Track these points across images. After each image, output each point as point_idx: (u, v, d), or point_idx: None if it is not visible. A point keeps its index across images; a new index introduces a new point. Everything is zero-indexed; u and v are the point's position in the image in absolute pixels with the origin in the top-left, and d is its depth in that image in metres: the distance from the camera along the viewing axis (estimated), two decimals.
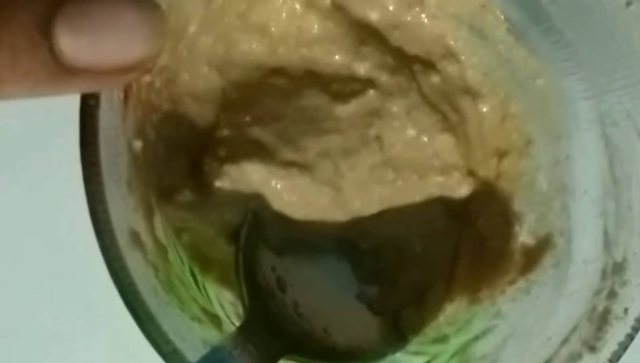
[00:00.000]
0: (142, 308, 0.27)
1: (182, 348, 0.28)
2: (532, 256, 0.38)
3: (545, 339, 0.35)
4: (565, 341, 0.34)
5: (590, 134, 0.37)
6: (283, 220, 0.36)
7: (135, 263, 0.28)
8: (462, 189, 0.39)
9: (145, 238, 0.30)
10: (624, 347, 0.32)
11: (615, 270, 0.34)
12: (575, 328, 0.34)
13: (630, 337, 0.32)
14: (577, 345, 0.33)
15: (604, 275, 0.34)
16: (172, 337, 0.27)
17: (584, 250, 0.36)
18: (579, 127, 0.37)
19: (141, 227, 0.30)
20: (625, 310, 0.33)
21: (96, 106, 0.27)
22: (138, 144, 0.31)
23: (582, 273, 0.36)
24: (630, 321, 0.33)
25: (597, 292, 0.34)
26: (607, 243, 0.35)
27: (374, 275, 0.38)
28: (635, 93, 0.35)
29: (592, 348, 0.33)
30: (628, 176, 0.35)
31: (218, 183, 0.34)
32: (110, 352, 0.40)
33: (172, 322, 0.29)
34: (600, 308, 0.34)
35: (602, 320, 0.33)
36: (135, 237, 0.29)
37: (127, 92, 0.30)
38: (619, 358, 0.32)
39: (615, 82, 0.35)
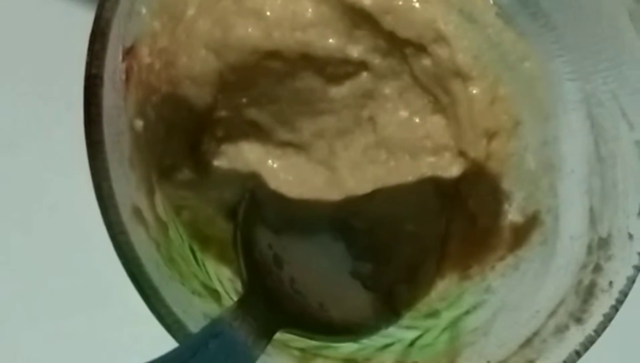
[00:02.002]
0: (146, 281, 0.28)
1: (184, 320, 0.29)
2: (521, 234, 0.39)
3: (534, 312, 0.36)
4: (552, 314, 0.35)
5: (576, 114, 0.38)
6: (279, 199, 0.37)
7: (139, 238, 0.29)
8: (453, 169, 0.40)
9: (147, 214, 0.31)
10: (609, 318, 0.33)
11: (600, 245, 0.35)
12: (562, 302, 0.35)
13: (615, 309, 0.33)
14: (564, 317, 0.34)
15: (589, 250, 0.35)
16: (174, 309, 0.28)
17: (571, 226, 0.37)
18: (566, 108, 0.38)
19: (143, 204, 0.31)
20: (610, 283, 0.34)
21: (100, 85, 0.27)
22: (139, 124, 0.32)
23: (569, 248, 0.37)
24: (614, 293, 0.34)
25: (583, 267, 0.35)
26: (593, 220, 0.36)
27: (368, 253, 0.39)
28: (619, 74, 0.36)
29: (579, 320, 0.34)
30: (613, 154, 0.36)
31: (216, 162, 0.35)
32: (116, 325, 0.41)
33: (174, 295, 0.30)
34: (586, 282, 0.35)
35: (588, 293, 0.34)
36: (137, 213, 0.30)
37: (128, 72, 0.31)
38: (604, 329, 0.33)
39: (600, 63, 0.36)
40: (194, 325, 0.30)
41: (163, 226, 0.33)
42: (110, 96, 0.29)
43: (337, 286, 0.38)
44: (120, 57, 0.30)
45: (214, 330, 0.29)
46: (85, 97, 0.27)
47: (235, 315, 0.31)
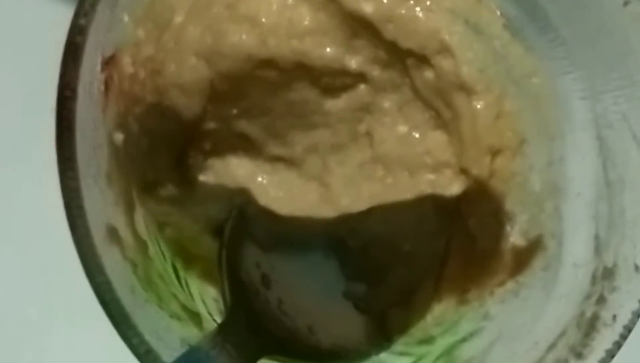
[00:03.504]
0: (117, 308, 0.26)
1: (157, 348, 0.27)
2: (523, 258, 0.37)
3: (533, 343, 0.34)
4: (552, 346, 0.33)
5: (584, 135, 0.36)
6: (269, 216, 0.36)
7: (112, 260, 0.27)
8: (454, 188, 0.38)
9: (124, 233, 0.30)
10: (610, 354, 0.32)
11: (605, 275, 0.33)
12: (562, 334, 0.33)
13: (618, 345, 0.32)
14: (564, 351, 0.33)
15: (593, 279, 0.34)
16: (147, 336, 0.27)
17: (575, 253, 0.35)
18: (574, 128, 0.37)
19: (120, 222, 0.30)
20: (614, 317, 0.32)
21: (72, 97, 0.26)
22: (119, 137, 0.30)
23: (572, 277, 0.35)
24: (618, 328, 0.32)
25: (587, 297, 0.34)
26: (598, 247, 0.34)
27: (362, 273, 0.38)
28: (631, 94, 0.34)
29: (579, 355, 0.32)
30: (621, 179, 0.34)
31: (202, 177, 0.34)
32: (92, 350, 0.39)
33: (149, 320, 0.28)
34: (588, 314, 0.33)
35: (590, 326, 0.33)
36: (112, 233, 0.28)
37: (108, 83, 0.29)
38: None
39: (611, 82, 0.34)
40: (169, 353, 0.28)
41: (142, 244, 0.31)
42: (86, 109, 0.27)
43: (328, 307, 0.37)
44: (99, 67, 0.28)
45: (189, 360, 0.28)
46: (57, 111, 0.26)
47: (213, 343, 0.29)
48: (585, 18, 0.35)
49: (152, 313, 0.30)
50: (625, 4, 0.33)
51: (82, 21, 0.26)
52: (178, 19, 0.34)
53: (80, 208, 0.26)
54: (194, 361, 0.28)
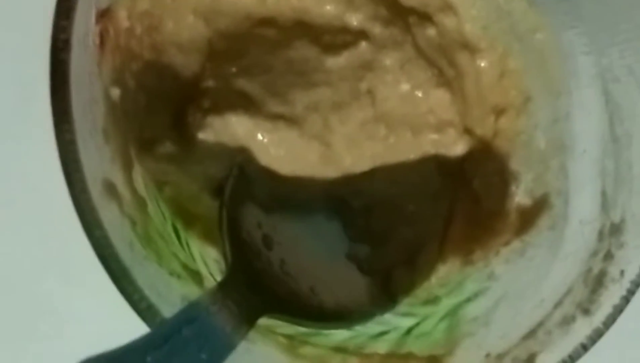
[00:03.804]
0: (116, 263, 0.26)
1: (158, 304, 0.27)
2: (528, 217, 0.37)
3: (539, 302, 0.34)
4: (558, 304, 0.33)
5: (590, 90, 0.35)
6: (270, 175, 0.35)
7: (110, 215, 0.27)
8: (458, 147, 0.38)
9: (123, 189, 0.29)
10: (619, 310, 0.31)
11: (612, 231, 0.33)
12: (569, 291, 0.33)
13: (626, 300, 0.31)
14: (571, 308, 0.32)
15: (600, 236, 0.33)
16: (147, 292, 0.26)
17: (581, 210, 0.35)
18: (579, 84, 0.36)
19: (118, 178, 0.29)
20: (622, 272, 0.32)
21: (65, 49, 0.25)
22: (116, 92, 0.30)
23: (579, 234, 0.34)
24: (626, 283, 0.32)
25: (593, 254, 0.33)
26: (605, 204, 0.34)
27: (365, 234, 0.37)
28: (638, 47, 0.33)
29: (586, 311, 0.32)
30: (629, 134, 0.34)
31: (201, 135, 0.33)
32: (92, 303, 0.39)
33: (148, 276, 0.28)
34: (595, 271, 0.33)
35: (597, 282, 0.32)
36: (110, 188, 0.28)
37: (103, 36, 0.28)
38: (613, 321, 0.31)
39: (617, 35, 0.34)
40: (170, 309, 0.28)
41: (141, 202, 0.31)
42: (81, 61, 0.27)
43: (331, 269, 0.36)
44: (94, 19, 0.28)
45: (189, 315, 0.27)
46: (51, 63, 0.25)
47: (214, 299, 0.29)
48: None
49: (152, 270, 0.29)
50: None
51: None
52: None
53: (77, 161, 0.25)
54: (193, 316, 0.27)
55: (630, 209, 0.33)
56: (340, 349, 0.34)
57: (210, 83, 0.35)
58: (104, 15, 0.28)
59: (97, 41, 0.28)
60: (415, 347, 0.34)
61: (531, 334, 0.32)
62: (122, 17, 0.30)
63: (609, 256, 0.32)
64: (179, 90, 0.34)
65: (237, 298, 0.29)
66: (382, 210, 0.38)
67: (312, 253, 0.36)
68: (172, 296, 0.29)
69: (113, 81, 0.29)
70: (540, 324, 0.33)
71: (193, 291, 0.31)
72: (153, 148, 0.33)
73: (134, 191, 0.30)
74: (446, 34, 0.38)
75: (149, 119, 0.33)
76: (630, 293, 0.31)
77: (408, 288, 0.37)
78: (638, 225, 0.32)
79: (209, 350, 0.27)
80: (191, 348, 0.26)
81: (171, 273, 0.30)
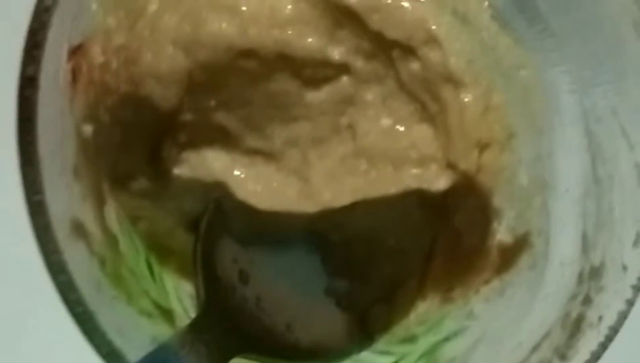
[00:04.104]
0: (80, 306, 0.25)
1: (123, 347, 0.26)
2: (509, 256, 0.36)
3: (517, 344, 0.33)
4: (536, 347, 0.32)
5: (573, 129, 0.35)
6: (248, 210, 0.35)
7: (77, 256, 0.27)
8: (440, 182, 0.37)
9: (93, 228, 0.29)
10: (596, 356, 0.31)
11: (592, 275, 0.32)
12: (547, 334, 0.32)
13: (603, 346, 0.31)
14: (548, 352, 0.32)
15: (580, 279, 0.33)
16: (111, 335, 0.26)
17: (562, 251, 0.34)
18: (563, 122, 0.36)
19: (88, 216, 0.29)
20: (600, 317, 0.31)
21: (34, 87, 0.25)
22: (88, 129, 0.29)
23: (559, 276, 0.34)
24: (603, 329, 0.31)
25: (573, 297, 0.33)
26: (586, 246, 0.33)
27: (345, 269, 0.37)
28: (621, 88, 0.33)
29: (563, 357, 0.31)
30: (610, 176, 0.33)
31: (177, 170, 0.33)
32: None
33: (116, 318, 0.27)
34: (574, 315, 0.32)
35: (575, 327, 0.32)
36: (78, 228, 0.28)
37: (75, 73, 0.28)
38: None
39: (601, 76, 0.33)
40: (136, 352, 0.27)
41: (112, 239, 0.30)
42: (50, 99, 0.26)
43: (309, 304, 0.36)
44: (66, 56, 0.27)
45: (155, 359, 0.27)
46: (18, 101, 0.25)
47: (183, 341, 0.28)
48: (575, 9, 0.34)
49: (120, 310, 0.29)
50: None
51: (45, 11, 0.25)
52: (152, 7, 0.33)
53: (42, 203, 0.25)
54: (160, 361, 0.27)
55: (611, 253, 0.32)
56: None
57: (187, 117, 0.34)
58: (76, 51, 0.28)
59: (69, 78, 0.27)
60: None
61: None
62: (96, 53, 0.30)
63: (587, 300, 0.32)
64: (156, 124, 0.34)
65: (208, 340, 0.29)
66: (362, 245, 0.37)
67: (289, 288, 0.36)
68: (141, 337, 0.29)
69: (85, 117, 0.29)
70: None
71: (164, 331, 0.30)
72: (127, 183, 0.32)
73: (104, 228, 0.30)
74: (430, 68, 0.37)
75: (123, 154, 0.32)
76: (608, 339, 0.31)
77: (386, 325, 0.36)
78: (618, 269, 0.32)
79: None
80: None
81: (141, 312, 0.30)
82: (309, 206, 0.35)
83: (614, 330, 0.31)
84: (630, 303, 0.31)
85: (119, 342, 0.26)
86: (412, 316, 0.37)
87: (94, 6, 0.29)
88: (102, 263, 0.29)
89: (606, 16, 0.33)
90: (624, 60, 0.32)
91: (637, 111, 0.32)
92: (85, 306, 0.26)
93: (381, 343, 0.36)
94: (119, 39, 0.31)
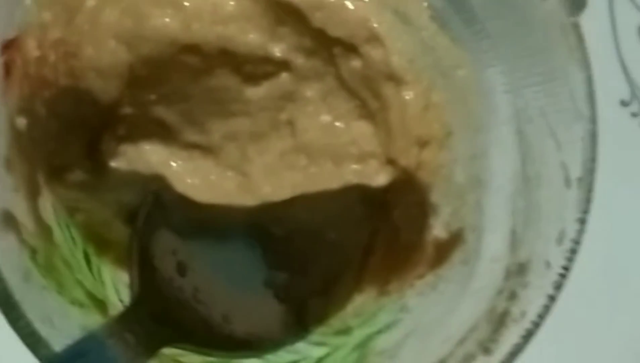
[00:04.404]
0: (4, 295, 0.26)
1: (49, 336, 0.27)
2: (443, 251, 0.37)
3: (445, 337, 0.34)
4: (462, 341, 0.33)
5: (507, 129, 0.36)
6: (186, 203, 0.35)
7: (6, 246, 0.27)
8: (380, 178, 0.38)
9: (25, 219, 0.29)
10: (517, 349, 0.32)
11: (518, 271, 0.33)
12: (473, 328, 0.33)
13: (525, 339, 0.32)
14: (473, 346, 0.33)
15: (507, 275, 0.34)
16: (37, 325, 0.26)
17: (492, 248, 0.35)
18: (497, 121, 0.36)
19: (20, 208, 0.29)
20: (523, 312, 0.32)
21: None
22: (22, 122, 0.30)
23: (488, 271, 0.35)
24: (526, 324, 0.32)
25: (499, 292, 0.34)
26: (514, 243, 0.34)
27: (285, 261, 0.38)
28: (550, 90, 0.34)
29: (487, 350, 0.32)
30: (539, 175, 0.34)
31: (115, 163, 0.33)
32: None
33: (44, 307, 0.28)
34: (499, 309, 0.33)
35: (499, 321, 0.33)
36: (8, 219, 0.28)
37: (9, 67, 0.29)
38: (511, 361, 0.32)
39: (531, 77, 0.34)
40: (64, 341, 0.28)
41: (45, 230, 0.31)
42: None
43: (247, 296, 0.36)
44: None
45: (81, 348, 0.27)
46: None
47: (112, 330, 0.29)
48: (507, 12, 0.35)
49: (50, 300, 0.29)
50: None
51: None
52: (91, 2, 0.33)
53: None
54: (86, 350, 0.27)
55: (537, 250, 0.33)
56: None
57: (127, 110, 0.35)
58: (10, 45, 0.28)
59: (2, 72, 0.28)
60: None
61: None
62: (31, 47, 0.30)
63: (513, 295, 0.33)
64: (95, 117, 0.34)
65: (137, 330, 0.29)
66: (302, 238, 0.38)
67: (228, 279, 0.36)
68: (70, 327, 0.29)
69: (20, 110, 0.29)
70: (443, 361, 0.33)
71: (95, 321, 0.31)
72: (64, 175, 0.33)
73: (38, 219, 0.30)
74: (372, 66, 0.38)
75: (60, 146, 0.33)
76: (530, 333, 0.32)
77: (322, 316, 0.37)
78: (542, 266, 0.33)
79: None
80: None
81: (73, 302, 0.30)
82: (249, 200, 0.36)
83: (536, 325, 0.32)
84: (552, 299, 0.32)
85: (45, 331, 0.27)
86: (349, 309, 0.38)
87: (28, 1, 0.29)
88: (33, 253, 0.29)
89: (537, 20, 0.33)
90: (552, 63, 0.33)
91: (563, 112, 0.33)
92: (11, 296, 0.26)
93: (316, 335, 0.36)
94: (56, 33, 0.32)
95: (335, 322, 0.37)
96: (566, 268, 0.32)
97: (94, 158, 0.34)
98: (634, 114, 0.50)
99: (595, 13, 0.49)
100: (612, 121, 0.48)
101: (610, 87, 0.49)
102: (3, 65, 0.28)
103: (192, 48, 0.36)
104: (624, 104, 0.49)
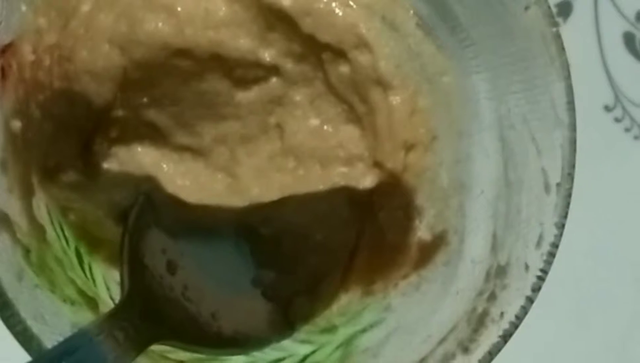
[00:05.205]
0: None
1: (41, 333, 0.28)
2: (427, 252, 0.38)
3: (426, 337, 0.35)
4: (443, 340, 0.34)
5: (489, 134, 0.37)
6: (177, 203, 0.36)
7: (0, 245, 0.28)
8: (367, 181, 0.39)
9: (19, 218, 0.30)
10: (496, 349, 0.33)
11: (498, 273, 0.34)
12: (454, 328, 0.34)
13: (504, 340, 0.33)
14: (453, 345, 0.34)
15: (487, 277, 0.35)
16: (30, 322, 0.27)
17: (474, 250, 0.36)
18: (481, 127, 0.37)
19: (14, 208, 0.30)
20: (502, 313, 0.33)
21: None
22: (17, 124, 0.31)
23: (470, 273, 0.36)
24: (504, 324, 0.33)
25: (480, 293, 0.35)
26: (495, 245, 0.35)
27: (273, 261, 0.38)
28: (532, 98, 0.35)
29: (466, 350, 0.33)
30: (520, 180, 0.35)
31: (106, 165, 0.34)
32: None
33: (37, 305, 0.29)
34: (479, 310, 0.34)
35: (479, 322, 0.34)
36: (2, 218, 0.29)
37: (5, 71, 0.29)
38: (490, 361, 0.33)
39: (513, 85, 0.35)
40: (56, 338, 0.29)
41: (39, 229, 0.32)
42: None
43: (235, 295, 0.37)
44: None
45: (71, 345, 0.28)
46: None
47: (100, 328, 0.30)
48: (491, 20, 0.35)
49: (43, 298, 0.30)
50: (526, 8, 0.33)
51: None
52: (85, 7, 0.34)
53: None
54: (75, 346, 0.28)
55: (516, 253, 0.34)
56: None
57: (120, 113, 0.36)
58: (5, 50, 0.29)
59: None
60: None
61: None
62: (27, 52, 0.31)
63: (492, 296, 0.34)
64: (89, 119, 0.35)
65: (127, 327, 0.30)
66: (290, 238, 0.39)
67: (217, 278, 0.37)
68: (62, 324, 0.30)
69: (14, 113, 0.30)
70: (423, 359, 0.34)
71: (86, 318, 0.32)
72: (57, 176, 0.34)
73: (31, 218, 0.31)
74: (360, 71, 0.39)
75: (54, 148, 0.33)
76: (508, 334, 0.33)
77: (308, 315, 0.38)
78: (521, 268, 0.34)
79: None
80: None
81: (64, 300, 0.31)
82: (237, 201, 0.37)
83: (514, 326, 0.33)
84: (530, 301, 0.33)
85: (37, 328, 0.28)
86: (334, 308, 0.38)
87: (24, 7, 0.30)
88: (27, 252, 0.30)
89: (520, 29, 0.34)
90: (533, 71, 0.34)
91: (544, 119, 0.34)
92: (4, 294, 0.27)
93: (302, 333, 0.37)
94: (51, 38, 0.33)
95: (321, 320, 0.38)
96: (544, 271, 0.33)
97: (87, 159, 0.35)
98: (617, 119, 0.51)
99: (580, 19, 0.50)
100: (595, 126, 0.49)
101: (594, 92, 0.50)
102: (0, 70, 0.29)
103: (184, 52, 0.37)
104: (607, 109, 0.50)
